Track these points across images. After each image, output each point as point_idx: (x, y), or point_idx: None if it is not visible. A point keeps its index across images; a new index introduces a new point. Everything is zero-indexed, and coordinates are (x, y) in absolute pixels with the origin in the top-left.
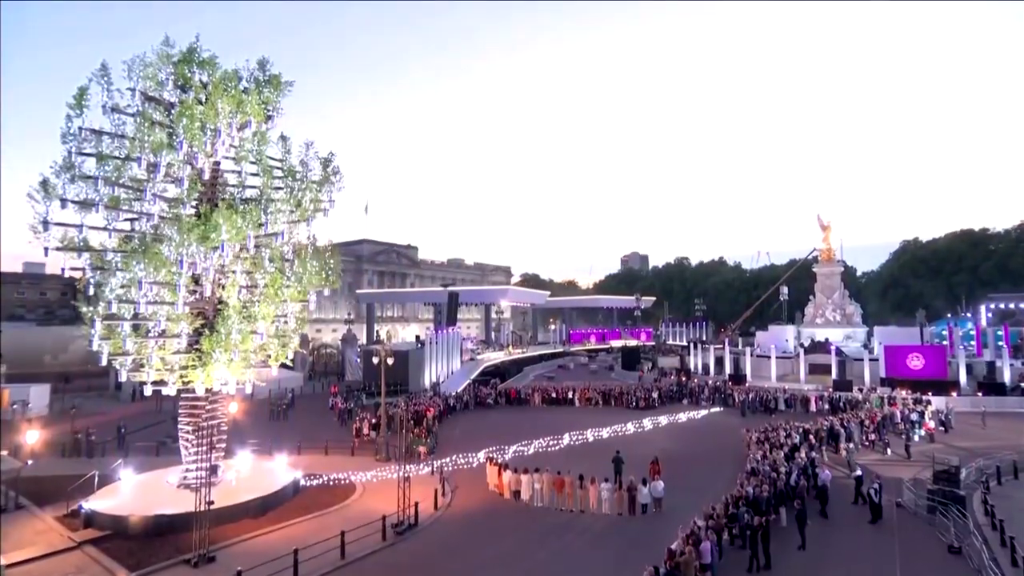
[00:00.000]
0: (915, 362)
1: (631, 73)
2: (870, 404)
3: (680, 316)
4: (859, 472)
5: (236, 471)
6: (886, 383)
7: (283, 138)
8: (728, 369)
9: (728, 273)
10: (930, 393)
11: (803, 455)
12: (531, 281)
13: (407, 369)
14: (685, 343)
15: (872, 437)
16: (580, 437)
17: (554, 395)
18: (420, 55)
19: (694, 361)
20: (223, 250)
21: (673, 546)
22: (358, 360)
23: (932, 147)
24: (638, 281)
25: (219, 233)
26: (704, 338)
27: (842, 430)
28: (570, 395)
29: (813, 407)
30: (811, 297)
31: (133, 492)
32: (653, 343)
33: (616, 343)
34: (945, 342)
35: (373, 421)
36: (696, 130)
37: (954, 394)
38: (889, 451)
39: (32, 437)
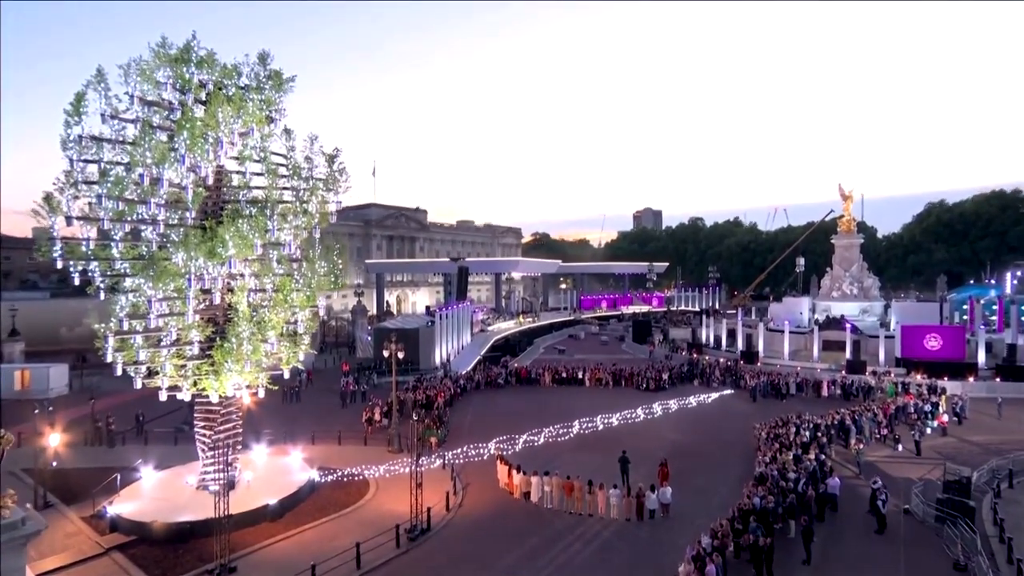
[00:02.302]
0: (932, 343)
1: (644, 22)
2: (883, 392)
3: (693, 280)
4: (878, 484)
5: (252, 471)
6: (901, 363)
7: (287, 131)
8: (740, 344)
9: (743, 235)
10: (946, 378)
11: (812, 457)
12: (542, 241)
13: (417, 347)
14: (698, 309)
15: (884, 431)
16: (590, 425)
17: (564, 375)
18: (426, 11)
19: (706, 333)
20: (231, 266)
21: (680, 571)
22: (368, 338)
23: (967, 95)
24: (651, 241)
25: (226, 248)
26: (717, 305)
27: (852, 426)
28: (580, 375)
29: (825, 392)
30: (828, 269)
31: (154, 494)
32: (665, 309)
33: (627, 309)
34: (966, 317)
35: (384, 408)
36: (711, 79)
37: (971, 379)
38: (900, 447)
39: (55, 440)
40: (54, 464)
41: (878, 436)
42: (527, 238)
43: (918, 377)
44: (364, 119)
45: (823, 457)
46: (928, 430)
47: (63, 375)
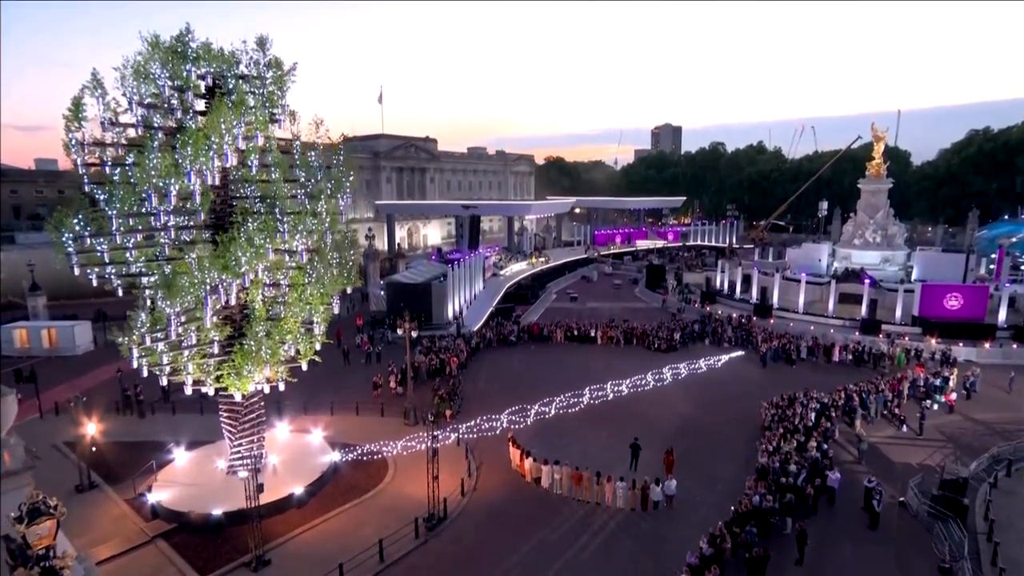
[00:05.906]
0: (952, 302)
1: None
2: (894, 361)
3: (711, 212)
4: (874, 483)
5: (277, 452)
6: (918, 322)
7: (292, 114)
8: (755, 294)
9: (766, 163)
10: (961, 343)
11: (814, 446)
12: (555, 166)
13: (430, 301)
14: (714, 244)
15: (897, 409)
16: (600, 393)
17: (576, 332)
18: None
19: (720, 278)
20: (245, 281)
21: None
22: (381, 293)
23: None
24: (669, 167)
25: (239, 265)
26: (734, 240)
27: (859, 407)
28: (592, 333)
29: (836, 357)
30: (852, 214)
31: (188, 479)
32: (680, 244)
33: (642, 243)
34: (993, 267)
35: (399, 376)
36: None
37: (987, 345)
38: (905, 427)
39: (92, 429)
40: (93, 449)
41: (884, 412)
42: (540, 160)
43: (932, 342)
44: (369, 40)
45: (826, 446)
46: (935, 406)
47: (87, 332)
